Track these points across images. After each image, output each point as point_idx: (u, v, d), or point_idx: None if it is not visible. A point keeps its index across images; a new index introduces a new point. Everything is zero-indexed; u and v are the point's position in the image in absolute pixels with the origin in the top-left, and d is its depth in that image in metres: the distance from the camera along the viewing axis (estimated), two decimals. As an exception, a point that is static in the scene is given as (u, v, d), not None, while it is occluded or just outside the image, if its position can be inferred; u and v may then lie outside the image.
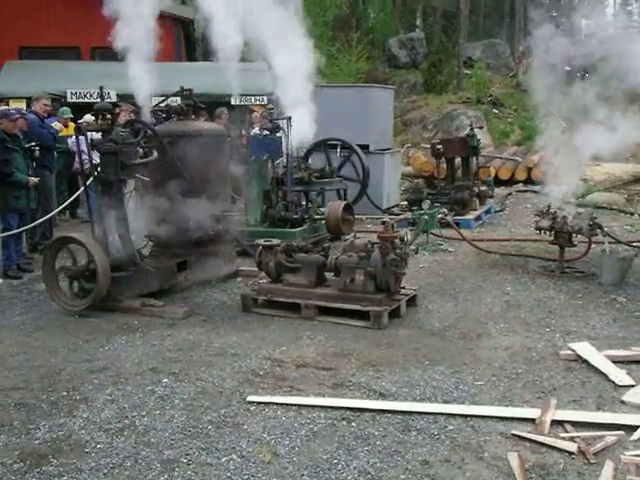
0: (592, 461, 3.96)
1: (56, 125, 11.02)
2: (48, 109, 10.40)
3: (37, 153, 9.03)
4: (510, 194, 16.16)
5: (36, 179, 8.81)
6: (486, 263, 9.16)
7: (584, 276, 8.31)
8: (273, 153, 9.92)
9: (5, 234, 8.55)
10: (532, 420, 4.48)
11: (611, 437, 4.20)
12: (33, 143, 9.00)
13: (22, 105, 12.44)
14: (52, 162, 10.15)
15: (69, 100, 15.04)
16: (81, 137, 7.29)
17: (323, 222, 10.08)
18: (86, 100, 14.82)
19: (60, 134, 11.72)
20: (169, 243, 7.87)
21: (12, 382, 5.25)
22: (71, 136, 11.66)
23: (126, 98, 11.57)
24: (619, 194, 15.45)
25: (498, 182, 16.94)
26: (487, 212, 13.05)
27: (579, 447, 4.10)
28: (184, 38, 20.95)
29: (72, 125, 12.20)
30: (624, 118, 7.79)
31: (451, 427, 4.43)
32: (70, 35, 18.47)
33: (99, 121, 7.25)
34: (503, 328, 6.50)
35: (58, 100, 14.17)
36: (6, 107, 10.78)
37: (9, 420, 4.59)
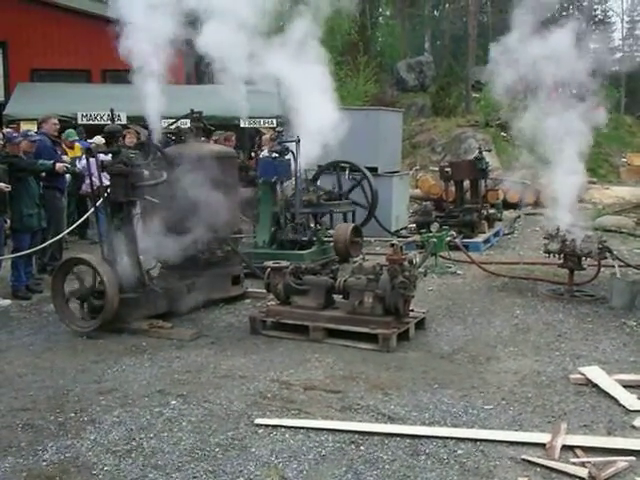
0: (603, 487, 3.93)
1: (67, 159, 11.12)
2: (57, 128, 10.47)
3: (43, 173, 9.15)
4: (519, 217, 16.15)
5: (61, 165, 9.02)
6: (495, 286, 9.14)
7: (594, 300, 8.26)
8: (282, 175, 9.95)
9: (16, 255, 8.59)
10: (542, 445, 4.44)
11: (622, 462, 4.16)
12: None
13: (33, 127, 12.55)
14: (63, 183, 10.22)
15: (80, 122, 15.17)
16: (91, 159, 7.33)
17: (331, 244, 10.09)
18: (97, 122, 14.95)
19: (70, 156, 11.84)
20: (178, 264, 7.88)
21: (20, 403, 5.24)
22: (78, 157, 11.77)
23: (136, 120, 11.66)
24: (628, 217, 15.41)
25: (507, 205, 16.94)
26: (496, 235, 13.04)
27: (590, 472, 4.06)
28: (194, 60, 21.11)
29: (78, 146, 12.34)
30: None
31: (460, 451, 4.40)
32: (81, 58, 18.64)
33: (114, 143, 7.32)
34: (512, 352, 6.46)
35: (69, 122, 14.32)
36: (8, 131, 10.89)
37: (17, 441, 4.58)
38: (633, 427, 4.74)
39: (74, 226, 9.89)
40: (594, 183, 19.82)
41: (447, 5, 44.57)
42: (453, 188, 13.38)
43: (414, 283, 6.80)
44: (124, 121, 13.06)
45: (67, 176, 10.42)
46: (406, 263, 6.72)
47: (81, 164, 11.18)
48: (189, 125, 8.70)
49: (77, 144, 12.63)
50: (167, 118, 8.59)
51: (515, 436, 4.59)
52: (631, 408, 5.02)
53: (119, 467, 4.22)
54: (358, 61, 29.84)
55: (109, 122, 7.70)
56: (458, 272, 10.00)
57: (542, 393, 5.40)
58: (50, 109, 12.72)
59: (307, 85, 8.85)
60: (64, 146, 12.11)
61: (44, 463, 4.29)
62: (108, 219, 7.36)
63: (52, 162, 9.18)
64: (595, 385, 5.47)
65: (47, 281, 8.68)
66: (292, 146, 9.80)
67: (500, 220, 13.91)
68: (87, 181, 10.14)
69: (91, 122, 15.22)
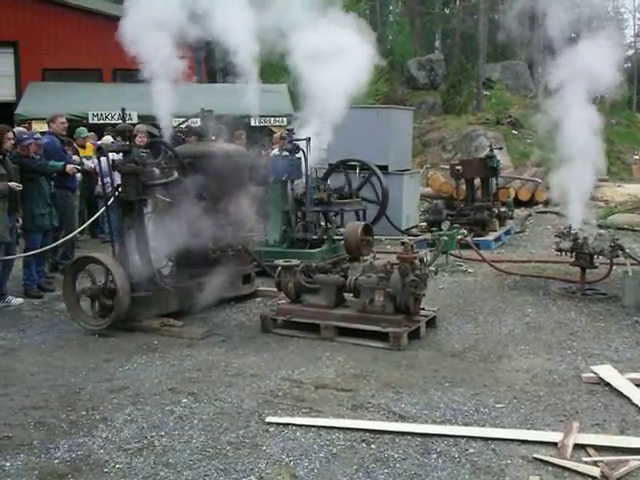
0: (616, 486, 3.91)
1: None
2: (66, 126, 10.49)
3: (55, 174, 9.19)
4: (530, 215, 16.09)
5: (73, 166, 9.07)
6: (506, 284, 9.11)
7: (606, 298, 8.22)
8: (292, 174, 9.95)
9: (28, 254, 8.63)
10: (554, 444, 4.41)
11: (635, 461, 4.13)
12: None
13: (44, 126, 12.61)
14: (74, 183, 10.26)
15: (91, 121, 15.23)
16: (102, 158, 7.34)
17: (342, 243, 10.08)
18: (107, 121, 15.00)
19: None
20: (189, 263, 7.90)
21: (32, 401, 5.27)
22: (86, 157, 11.80)
23: (147, 119, 11.70)
24: (640, 215, 15.33)
25: (518, 203, 16.89)
26: (507, 233, 12.99)
27: (602, 472, 4.04)
28: (204, 59, 21.16)
29: (89, 145, 12.37)
30: None
31: (472, 450, 4.38)
32: (92, 57, 18.72)
33: (125, 142, 7.34)
34: (524, 350, 6.44)
35: (80, 121, 14.38)
36: (21, 130, 10.92)
37: (29, 439, 4.59)
38: (646, 426, 4.72)
39: (85, 225, 9.93)
40: (606, 181, 19.74)
41: (458, 3, 44.41)
42: (464, 186, 13.35)
43: (425, 281, 6.78)
44: (135, 120, 13.12)
45: (77, 175, 10.45)
46: (417, 261, 6.71)
47: (93, 163, 11.22)
48: (200, 124, 8.70)
49: (89, 143, 12.67)
50: (178, 117, 8.61)
51: (527, 435, 4.57)
52: (644, 407, 5.00)
53: (131, 465, 4.23)
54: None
55: (120, 121, 7.72)
56: (469, 270, 9.98)
57: (554, 392, 5.37)
58: (61, 108, 12.75)
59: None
60: (75, 145, 12.15)
61: (56, 461, 4.30)
62: (119, 218, 7.38)
63: (63, 164, 9.22)
64: (607, 384, 5.44)
65: (59, 280, 8.71)
66: (302, 145, 9.79)
67: (511, 218, 13.85)
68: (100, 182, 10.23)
69: (102, 121, 15.28)
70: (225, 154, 8.20)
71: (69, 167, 9.36)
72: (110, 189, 7.54)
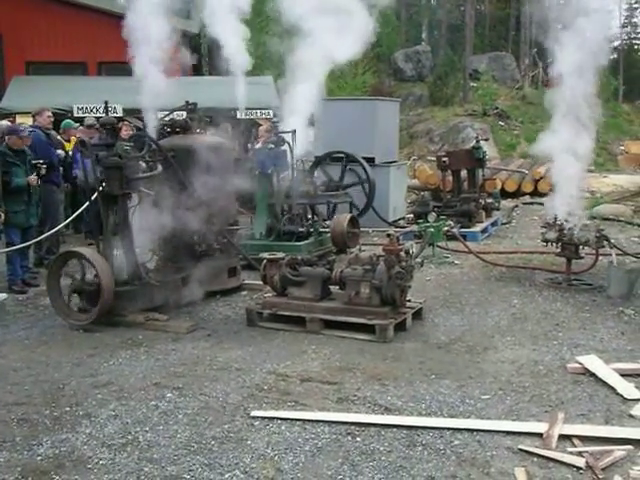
0: (600, 476, 3.91)
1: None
2: (52, 120, 10.39)
3: (43, 171, 9.01)
4: (516, 206, 16.12)
5: (34, 177, 8.78)
6: (492, 276, 9.12)
7: (591, 288, 8.25)
8: (278, 166, 9.90)
9: (9, 249, 8.54)
10: (539, 434, 4.42)
11: (619, 452, 4.15)
12: (40, 160, 8.99)
13: (29, 120, 12.49)
14: (58, 177, 10.17)
15: (75, 115, 15.10)
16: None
17: (328, 235, 10.06)
18: (92, 115, 14.88)
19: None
20: (174, 257, 7.85)
21: (15, 397, 5.23)
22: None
23: (132, 113, 11.61)
24: (626, 206, 15.37)
25: (504, 194, 16.91)
26: (493, 224, 13.00)
27: (587, 462, 4.05)
28: (190, 52, 21.04)
29: (74, 139, 12.26)
30: None
31: (457, 442, 4.38)
32: (77, 50, 18.57)
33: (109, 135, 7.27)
34: (510, 341, 6.45)
35: (65, 115, 14.26)
36: (16, 123, 10.82)
37: (11, 436, 4.56)
38: (630, 416, 4.73)
39: (70, 219, 9.84)
40: (592, 172, 19.81)
41: (444, -6, 44.40)
42: (451, 178, 13.35)
43: (411, 273, 6.78)
44: (120, 113, 13.02)
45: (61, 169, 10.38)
46: (403, 253, 6.69)
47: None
48: (185, 117, 8.64)
49: (73, 137, 12.56)
50: (162, 110, 8.54)
51: (512, 426, 4.57)
52: (629, 397, 5.01)
53: (114, 461, 4.20)
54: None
55: (104, 114, 7.67)
56: (455, 262, 9.98)
57: (539, 382, 5.38)
58: (46, 102, 12.68)
59: None
60: (60, 138, 12.04)
61: (39, 457, 4.27)
62: (103, 212, 7.31)
63: (25, 180, 8.83)
64: (592, 374, 5.46)
65: (44, 275, 8.64)
66: (288, 137, 9.75)
67: (498, 209, 13.87)
68: (75, 169, 10.21)
69: (87, 115, 15.15)
70: (209, 147, 8.15)
71: (31, 181, 8.98)
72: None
